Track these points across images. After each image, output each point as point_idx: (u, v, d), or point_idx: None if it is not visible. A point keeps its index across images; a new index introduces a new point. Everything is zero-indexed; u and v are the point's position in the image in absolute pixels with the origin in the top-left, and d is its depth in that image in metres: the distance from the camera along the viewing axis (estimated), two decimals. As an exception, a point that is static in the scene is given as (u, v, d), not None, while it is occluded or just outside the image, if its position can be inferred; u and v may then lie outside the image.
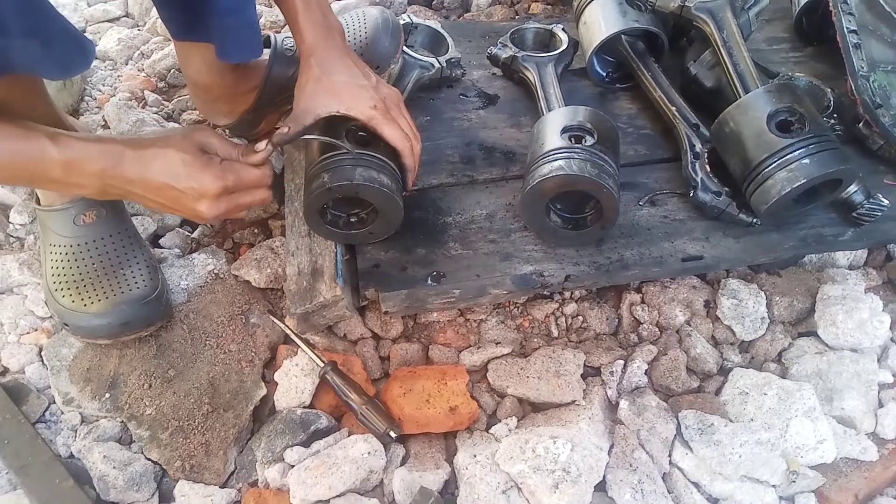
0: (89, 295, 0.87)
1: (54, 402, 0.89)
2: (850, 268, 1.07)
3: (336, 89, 0.84)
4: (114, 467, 0.82)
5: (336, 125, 0.87)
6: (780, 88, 0.94)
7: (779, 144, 0.89)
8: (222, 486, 0.84)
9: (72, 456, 0.85)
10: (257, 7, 1.48)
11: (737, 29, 1.05)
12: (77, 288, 0.88)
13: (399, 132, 0.85)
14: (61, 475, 0.81)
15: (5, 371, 0.93)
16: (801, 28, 1.30)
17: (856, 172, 0.92)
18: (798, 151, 0.88)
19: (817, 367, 0.94)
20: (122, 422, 0.87)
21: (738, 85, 1.00)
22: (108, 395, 0.88)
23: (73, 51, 0.69)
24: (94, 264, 0.89)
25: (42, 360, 0.92)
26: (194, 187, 0.73)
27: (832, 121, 1.06)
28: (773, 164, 0.89)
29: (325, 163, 0.83)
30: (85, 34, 1.21)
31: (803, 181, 0.87)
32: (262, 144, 0.81)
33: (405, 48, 1.09)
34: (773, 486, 0.84)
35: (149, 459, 0.85)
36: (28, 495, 0.80)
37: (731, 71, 1.02)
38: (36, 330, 0.95)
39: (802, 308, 1.00)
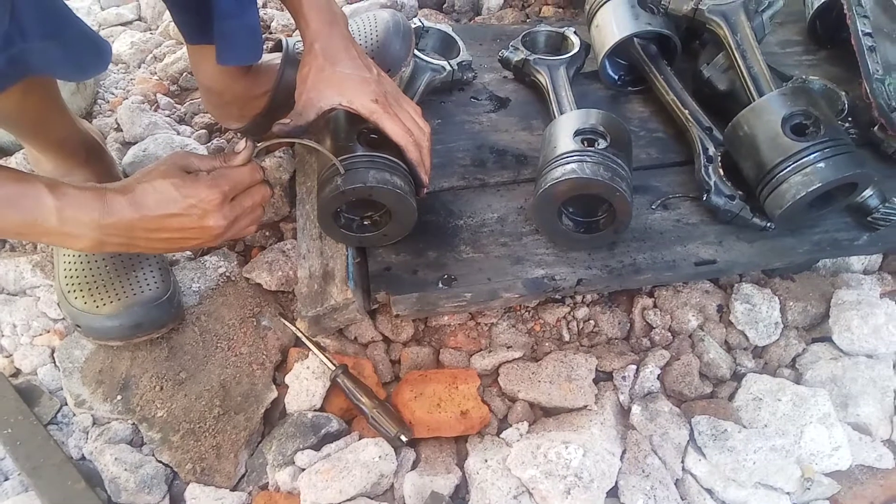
0: (101, 297, 0.87)
1: (66, 404, 0.90)
2: (865, 272, 1.06)
3: (338, 81, 0.83)
4: (125, 469, 0.82)
5: (348, 128, 0.87)
6: (795, 91, 0.94)
7: (794, 148, 0.88)
8: (233, 490, 0.84)
9: (83, 458, 0.86)
10: (270, 11, 1.49)
11: (750, 32, 1.04)
12: (89, 290, 0.88)
13: (400, 126, 0.84)
14: (73, 477, 0.81)
15: (18, 372, 0.93)
16: (814, 31, 1.29)
17: (871, 176, 0.91)
18: (813, 155, 0.87)
19: (832, 372, 0.93)
20: (134, 424, 0.88)
21: (751, 88, 1.00)
22: (119, 397, 0.88)
23: (90, 52, 0.70)
24: (106, 266, 0.89)
25: (54, 362, 0.93)
26: (194, 204, 0.72)
27: (847, 124, 1.05)
28: (788, 168, 0.88)
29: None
30: (99, 37, 1.21)
31: (818, 185, 0.86)
32: (241, 144, 0.78)
33: (416, 51, 1.09)
34: (788, 493, 0.83)
35: (160, 462, 0.85)
36: (40, 497, 0.80)
37: (745, 74, 1.01)
38: (48, 331, 0.96)
39: (817, 313, 0.99)
